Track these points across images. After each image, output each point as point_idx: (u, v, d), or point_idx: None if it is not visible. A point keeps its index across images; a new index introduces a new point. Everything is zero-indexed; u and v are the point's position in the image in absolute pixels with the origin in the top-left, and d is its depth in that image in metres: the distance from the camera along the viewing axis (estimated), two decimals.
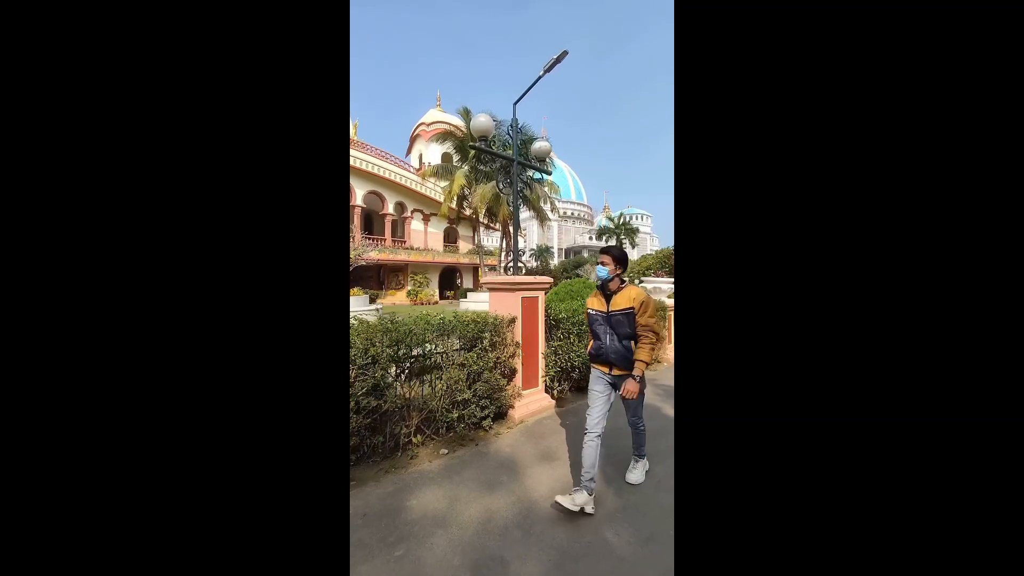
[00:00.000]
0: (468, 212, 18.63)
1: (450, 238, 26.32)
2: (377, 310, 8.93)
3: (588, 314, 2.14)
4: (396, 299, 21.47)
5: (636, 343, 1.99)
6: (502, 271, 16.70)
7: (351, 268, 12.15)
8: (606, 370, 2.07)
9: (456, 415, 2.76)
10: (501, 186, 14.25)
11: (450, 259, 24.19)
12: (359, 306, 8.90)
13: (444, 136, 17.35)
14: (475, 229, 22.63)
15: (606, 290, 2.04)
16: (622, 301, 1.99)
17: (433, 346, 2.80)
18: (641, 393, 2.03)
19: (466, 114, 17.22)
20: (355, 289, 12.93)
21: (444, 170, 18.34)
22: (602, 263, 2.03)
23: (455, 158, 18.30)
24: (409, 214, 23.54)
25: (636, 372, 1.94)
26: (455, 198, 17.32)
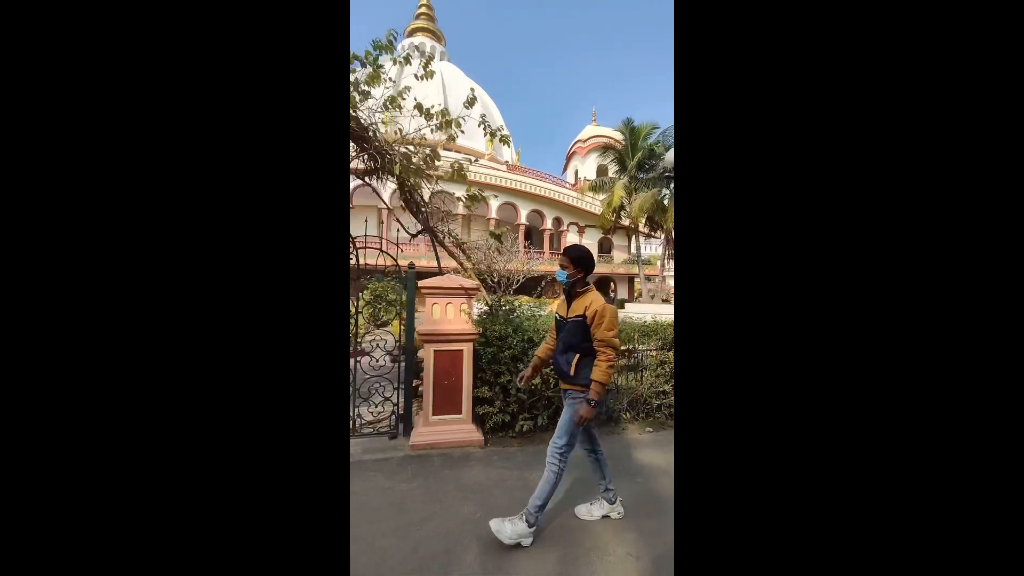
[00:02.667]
0: (626, 222, 18.77)
1: (603, 248, 26.75)
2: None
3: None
4: (553, 307, 23.10)
5: (581, 358, 1.76)
6: (663, 280, 16.12)
7: (523, 279, 14.13)
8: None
9: (657, 403, 3.37)
10: (668, 194, 13.91)
11: (604, 269, 24.57)
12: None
13: (603, 149, 18.09)
14: (630, 238, 22.45)
15: (570, 294, 1.86)
16: (578, 307, 1.79)
17: (635, 344, 3.50)
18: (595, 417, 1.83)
19: (626, 126, 17.54)
20: (523, 297, 14.95)
21: (601, 183, 19.07)
22: (561, 266, 1.84)
23: (611, 170, 18.82)
24: (565, 227, 25.15)
25: (592, 395, 1.69)
26: (613, 209, 17.79)
